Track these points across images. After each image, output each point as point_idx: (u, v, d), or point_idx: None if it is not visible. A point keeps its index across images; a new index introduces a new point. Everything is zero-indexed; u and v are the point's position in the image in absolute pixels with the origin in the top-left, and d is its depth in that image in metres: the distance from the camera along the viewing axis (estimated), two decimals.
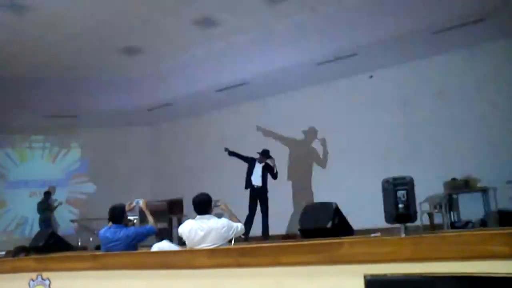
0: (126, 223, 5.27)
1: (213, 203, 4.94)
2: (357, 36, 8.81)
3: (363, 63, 9.72)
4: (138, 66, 11.21)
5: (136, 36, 9.75)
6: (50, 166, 13.22)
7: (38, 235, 7.34)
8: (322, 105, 10.82)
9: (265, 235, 8.50)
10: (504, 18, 7.99)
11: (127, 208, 5.39)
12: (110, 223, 5.24)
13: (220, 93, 10.88)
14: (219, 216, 4.85)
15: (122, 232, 5.08)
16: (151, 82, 11.52)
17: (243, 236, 8.10)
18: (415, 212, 3.92)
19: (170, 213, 11.57)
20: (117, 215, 5.19)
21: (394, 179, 3.83)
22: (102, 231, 5.22)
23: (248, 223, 8.21)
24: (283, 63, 9.61)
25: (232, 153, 9.28)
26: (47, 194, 12.11)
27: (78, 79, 11.38)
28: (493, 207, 8.52)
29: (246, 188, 8.84)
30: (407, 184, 3.84)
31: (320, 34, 9.20)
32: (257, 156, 8.98)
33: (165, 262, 4.11)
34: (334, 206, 6.14)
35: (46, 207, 11.82)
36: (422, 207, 8.57)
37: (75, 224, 12.28)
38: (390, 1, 8.46)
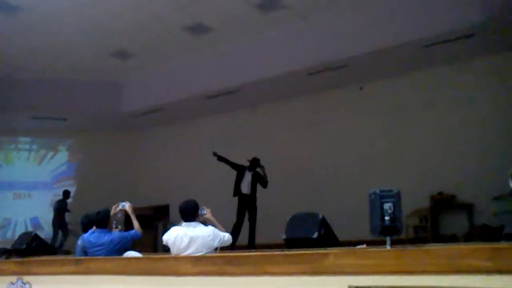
0: (111, 228, 5.21)
1: (199, 211, 4.90)
2: (349, 47, 8.87)
3: (354, 74, 9.78)
4: (129, 70, 11.21)
5: (128, 41, 9.76)
6: (36, 168, 13.06)
7: (20, 237, 7.21)
8: (312, 114, 10.85)
9: (252, 244, 8.46)
10: (492, 34, 8.10)
11: (112, 211, 5.33)
12: (94, 227, 5.17)
13: (211, 99, 10.87)
14: (205, 224, 4.81)
15: (107, 237, 5.02)
16: (142, 86, 11.51)
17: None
18: (401, 225, 3.91)
19: (156, 219, 11.49)
20: (102, 219, 5.13)
21: (381, 191, 3.82)
22: (86, 236, 5.16)
23: (236, 231, 8.15)
24: (274, 72, 9.63)
25: (221, 158, 9.20)
26: (66, 193, 11.72)
27: (69, 81, 11.35)
28: (477, 222, 8.57)
29: (234, 195, 8.79)
30: (394, 196, 3.82)
31: (311, 44, 9.27)
32: (247, 163, 8.94)
33: (149, 268, 4.08)
34: (320, 216, 6.12)
35: (64, 206, 11.48)
36: (408, 220, 8.61)
37: None
38: (382, 13, 8.58)
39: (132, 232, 5.23)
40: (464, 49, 8.70)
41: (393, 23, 8.46)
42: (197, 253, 4.46)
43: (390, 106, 9.98)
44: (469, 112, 9.14)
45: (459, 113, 9.24)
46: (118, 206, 5.44)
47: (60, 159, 13.32)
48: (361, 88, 10.27)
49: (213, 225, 4.83)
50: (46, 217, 12.60)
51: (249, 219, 8.62)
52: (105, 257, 4.83)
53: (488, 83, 9.04)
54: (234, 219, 8.50)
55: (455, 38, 8.21)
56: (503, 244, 3.13)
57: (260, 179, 8.83)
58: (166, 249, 4.89)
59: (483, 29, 7.89)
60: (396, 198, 3.85)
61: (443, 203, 8.98)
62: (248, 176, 8.81)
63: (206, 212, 5.03)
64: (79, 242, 5.43)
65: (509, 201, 8.22)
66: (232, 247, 7.64)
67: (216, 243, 4.60)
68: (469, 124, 9.10)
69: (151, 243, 10.74)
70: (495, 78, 8.99)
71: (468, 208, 8.76)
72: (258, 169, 8.88)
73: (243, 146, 10.78)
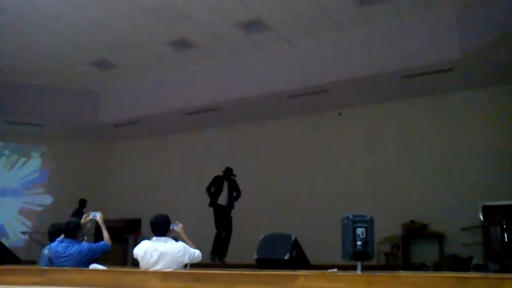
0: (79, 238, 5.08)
1: (171, 226, 4.84)
2: (329, 73, 9.00)
3: (333, 100, 9.90)
4: (109, 80, 11.13)
5: (109, 50, 9.70)
6: (5, 173, 12.70)
7: None
8: (289, 137, 10.91)
9: (223, 253, 8.59)
10: (469, 70, 8.34)
11: (82, 220, 5.22)
12: (63, 236, 5.04)
13: (189, 115, 10.84)
14: (176, 239, 4.75)
15: (75, 248, 4.90)
16: (120, 97, 11.42)
17: (218, 261, 8.17)
18: (373, 251, 3.93)
19: (127, 233, 11.29)
20: (72, 229, 5.00)
21: (354, 216, 3.84)
22: (53, 245, 5.02)
23: (219, 242, 8.44)
24: (254, 92, 9.69)
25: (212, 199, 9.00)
26: (82, 202, 11.27)
27: (45, 87, 11.18)
28: (448, 251, 8.68)
29: (210, 205, 8.77)
30: (367, 222, 3.85)
31: (293, 67, 9.38)
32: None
33: (117, 281, 4.00)
34: (293, 238, 6.14)
35: (81, 216, 11.13)
36: (380, 247, 8.65)
37: (26, 237, 11.79)
38: (364, 42, 8.76)
39: (101, 243, 5.12)
40: (442, 82, 8.92)
41: (374, 52, 8.65)
42: (167, 268, 4.39)
43: (368, 133, 10.12)
44: (443, 144, 9.33)
45: (434, 145, 9.42)
46: (88, 215, 5.34)
47: (32, 165, 13.02)
48: (340, 114, 10.40)
49: (183, 241, 4.78)
50: (13, 224, 12.28)
51: (225, 230, 8.64)
52: (71, 268, 4.71)
53: (463, 117, 9.27)
54: (207, 235, 8.45)
55: (434, 71, 8.42)
56: (470, 274, 3.18)
57: (235, 188, 8.93)
58: (136, 263, 4.81)
59: (460, 65, 8.13)
60: (369, 223, 3.87)
61: (414, 232, 9.07)
62: (225, 187, 8.87)
63: (178, 227, 4.97)
64: (45, 251, 5.28)
65: (478, 232, 8.39)
66: (223, 262, 7.86)
67: (186, 259, 4.53)
68: (443, 155, 9.28)
69: (121, 256, 10.55)
70: (470, 113, 9.23)
71: (439, 238, 8.88)
72: (233, 177, 8.96)
73: (219, 164, 10.74)
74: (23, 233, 11.99)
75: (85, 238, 5.17)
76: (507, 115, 8.79)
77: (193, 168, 11.72)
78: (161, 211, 4.86)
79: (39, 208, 12.66)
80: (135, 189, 12.42)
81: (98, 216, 5.34)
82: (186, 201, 10.99)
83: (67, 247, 4.91)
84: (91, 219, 5.36)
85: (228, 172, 9.05)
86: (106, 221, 5.40)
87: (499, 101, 8.95)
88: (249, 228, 9.09)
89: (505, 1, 7.03)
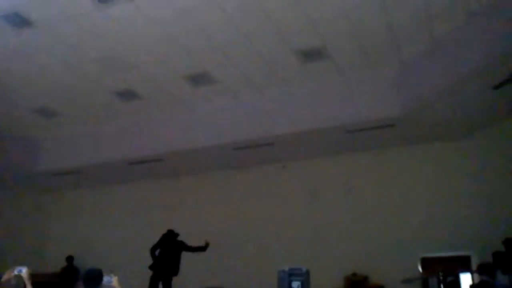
0: None
1: (107, 278, 4.66)
2: (275, 127, 9.15)
3: (278, 153, 10.03)
4: (50, 128, 10.79)
5: (51, 98, 9.48)
6: None
7: None
8: (233, 189, 10.87)
9: None
10: (410, 127, 8.72)
11: (6, 276, 4.83)
12: None
13: (133, 166, 10.63)
14: None
15: None
16: (62, 146, 11.05)
17: None
18: None
19: (61, 286, 10.72)
20: None
21: (290, 269, 3.85)
22: None
23: None
24: (200, 144, 9.69)
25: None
26: (70, 259, 11.24)
27: None
28: None
29: (151, 268, 8.33)
30: (303, 275, 3.87)
31: (239, 121, 9.47)
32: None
33: None
34: None
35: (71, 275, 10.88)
36: None
37: None
38: (309, 97, 8.99)
39: None
40: (385, 137, 9.24)
41: (319, 107, 8.88)
42: None
43: (311, 186, 10.21)
44: (385, 197, 9.57)
45: (376, 198, 9.64)
46: (13, 271, 4.91)
47: None
48: (283, 167, 10.52)
49: None
50: None
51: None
52: None
53: (405, 171, 9.59)
54: None
55: (377, 126, 8.73)
56: None
57: (187, 248, 8.52)
58: None
59: (401, 121, 8.49)
60: (305, 276, 3.89)
61: (356, 284, 9.10)
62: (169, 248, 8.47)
63: (113, 280, 4.79)
64: None
65: (417, 284, 8.54)
66: None
67: None
68: (384, 208, 9.48)
69: None
70: (411, 167, 9.58)
71: None
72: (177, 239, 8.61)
73: (163, 215, 10.57)
74: None
75: None
76: (447, 170, 9.20)
77: (137, 221, 11.37)
78: (98, 264, 4.70)
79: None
80: (73, 240, 11.84)
81: (24, 271, 4.94)
82: (128, 255, 10.58)
83: None
84: (16, 275, 4.96)
85: (171, 235, 8.49)
86: (39, 275, 5.08)
87: (438, 156, 9.34)
88: (191, 280, 8.86)
89: (442, 61, 7.46)
